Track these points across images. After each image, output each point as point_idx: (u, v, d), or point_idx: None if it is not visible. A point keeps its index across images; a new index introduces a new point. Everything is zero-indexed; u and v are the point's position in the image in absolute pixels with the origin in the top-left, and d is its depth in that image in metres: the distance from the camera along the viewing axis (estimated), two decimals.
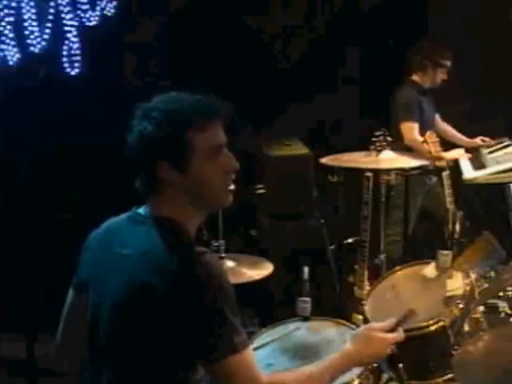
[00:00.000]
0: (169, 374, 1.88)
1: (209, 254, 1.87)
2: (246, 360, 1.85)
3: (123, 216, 2.06)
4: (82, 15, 4.60)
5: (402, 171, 4.41)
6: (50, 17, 4.49)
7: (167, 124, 1.90)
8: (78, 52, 4.62)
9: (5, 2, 4.33)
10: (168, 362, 1.85)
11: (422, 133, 4.47)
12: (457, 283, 3.26)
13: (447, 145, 4.93)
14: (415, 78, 5.09)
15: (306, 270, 3.10)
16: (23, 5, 4.39)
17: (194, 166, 1.91)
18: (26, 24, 4.41)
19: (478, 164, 4.84)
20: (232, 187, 1.99)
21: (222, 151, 1.96)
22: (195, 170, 1.92)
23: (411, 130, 4.84)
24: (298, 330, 3.06)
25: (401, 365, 3.01)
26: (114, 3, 4.71)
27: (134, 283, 1.86)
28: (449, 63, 5.03)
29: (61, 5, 4.51)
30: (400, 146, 4.67)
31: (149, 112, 1.94)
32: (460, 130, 5.29)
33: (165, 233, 1.90)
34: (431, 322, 3.03)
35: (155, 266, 1.84)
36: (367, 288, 3.86)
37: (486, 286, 3.63)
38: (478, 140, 5.29)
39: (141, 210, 2.02)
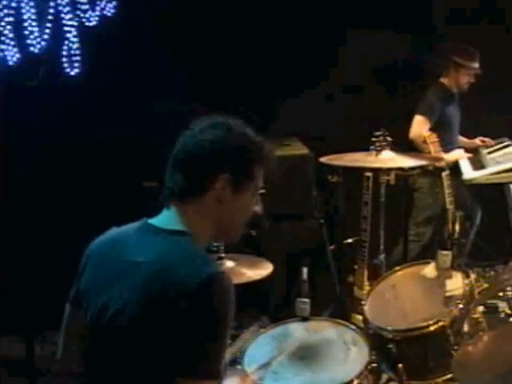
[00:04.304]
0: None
1: (225, 275, 1.86)
2: None
3: (131, 226, 2.03)
4: (82, 15, 4.60)
5: (401, 171, 4.40)
6: (50, 17, 4.50)
7: (245, 145, 1.96)
8: (77, 52, 4.62)
9: (5, 2, 4.34)
10: (166, 372, 1.84)
11: (445, 138, 4.44)
12: (457, 283, 3.27)
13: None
14: (443, 80, 5.06)
15: (304, 270, 3.11)
16: (23, 5, 4.40)
17: (243, 193, 1.97)
18: (25, 24, 4.42)
19: (477, 164, 4.85)
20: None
21: (257, 194, 2.04)
22: (241, 197, 1.97)
23: (421, 125, 4.79)
24: (298, 331, 3.06)
25: (400, 365, 3.01)
26: (114, 3, 4.70)
27: (147, 292, 1.84)
28: (473, 65, 4.93)
29: (60, 5, 4.51)
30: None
31: (222, 125, 1.97)
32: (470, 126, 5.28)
33: (182, 246, 1.89)
34: (431, 322, 3.03)
35: (172, 277, 1.82)
36: (367, 288, 3.86)
37: (486, 285, 3.64)
38: (477, 140, 5.29)
39: (153, 222, 1.99)
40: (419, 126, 4.79)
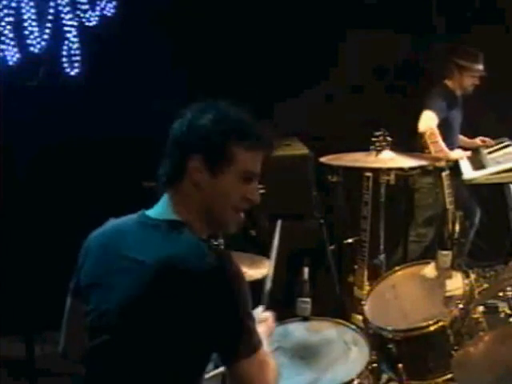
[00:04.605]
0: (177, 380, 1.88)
1: (229, 254, 1.88)
2: (262, 357, 1.88)
3: (130, 218, 2.02)
4: (82, 15, 4.60)
5: (401, 171, 4.40)
6: (50, 17, 4.50)
7: (223, 125, 1.93)
8: (77, 52, 4.62)
9: (5, 2, 4.33)
10: (182, 367, 1.86)
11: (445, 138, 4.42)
12: (456, 283, 3.27)
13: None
14: (447, 82, 5.03)
15: (305, 270, 3.10)
16: (23, 5, 4.39)
17: (223, 177, 1.92)
18: (25, 24, 4.42)
19: (477, 164, 4.84)
20: (241, 215, 2.00)
21: (252, 180, 1.98)
22: (222, 181, 1.92)
23: (431, 120, 4.75)
24: (298, 330, 3.06)
25: (400, 365, 3.01)
26: (114, 3, 4.70)
27: (156, 289, 1.84)
28: (477, 66, 4.90)
29: (60, 5, 4.51)
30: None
31: (208, 108, 1.96)
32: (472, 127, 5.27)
33: (184, 237, 1.89)
34: (431, 322, 3.03)
35: (181, 271, 1.82)
36: (367, 288, 3.86)
37: (486, 285, 3.64)
38: (477, 140, 5.28)
39: (150, 213, 1.99)
40: (429, 120, 4.74)
